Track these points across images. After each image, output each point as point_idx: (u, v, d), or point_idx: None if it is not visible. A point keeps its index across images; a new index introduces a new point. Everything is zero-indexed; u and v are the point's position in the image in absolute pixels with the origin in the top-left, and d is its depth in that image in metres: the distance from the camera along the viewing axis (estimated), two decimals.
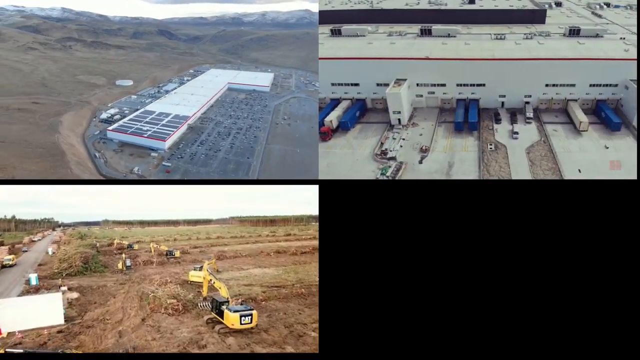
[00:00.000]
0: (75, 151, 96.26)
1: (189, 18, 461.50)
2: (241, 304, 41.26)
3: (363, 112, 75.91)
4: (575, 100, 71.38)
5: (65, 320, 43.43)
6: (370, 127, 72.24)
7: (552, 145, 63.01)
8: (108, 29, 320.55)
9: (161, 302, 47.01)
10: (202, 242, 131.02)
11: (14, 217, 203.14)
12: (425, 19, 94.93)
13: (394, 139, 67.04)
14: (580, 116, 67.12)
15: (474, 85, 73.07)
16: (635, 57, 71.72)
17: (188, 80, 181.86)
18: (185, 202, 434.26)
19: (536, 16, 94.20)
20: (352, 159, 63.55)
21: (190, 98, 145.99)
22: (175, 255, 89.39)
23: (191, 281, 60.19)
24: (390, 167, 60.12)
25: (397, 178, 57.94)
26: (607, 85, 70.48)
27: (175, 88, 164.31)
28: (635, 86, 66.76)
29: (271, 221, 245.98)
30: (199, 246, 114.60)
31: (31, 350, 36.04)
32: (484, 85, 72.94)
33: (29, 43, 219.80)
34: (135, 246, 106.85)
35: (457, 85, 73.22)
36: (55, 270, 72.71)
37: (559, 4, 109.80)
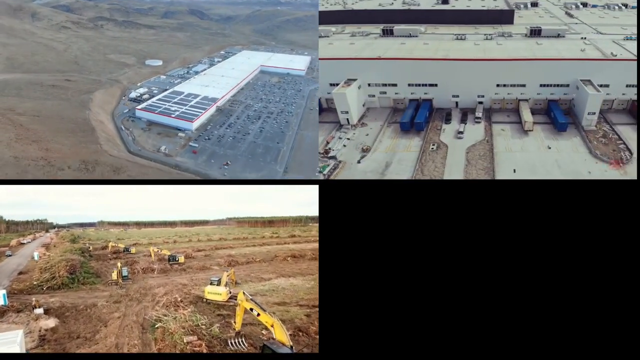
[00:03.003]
0: (105, 128, 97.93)
1: None
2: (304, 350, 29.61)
3: (318, 111, 76.40)
4: (527, 100, 70.98)
5: None
6: (322, 126, 72.67)
7: (494, 145, 62.82)
8: (139, 8, 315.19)
9: (174, 339, 34.06)
10: (204, 244, 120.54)
11: (2, 217, 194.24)
12: (396, 19, 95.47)
13: (339, 138, 67.48)
14: (526, 116, 66.74)
15: (426, 85, 73.03)
16: (590, 57, 71.50)
17: (219, 61, 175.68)
18: (181, 203, 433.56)
19: (504, 16, 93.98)
20: None
21: (220, 80, 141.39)
22: (179, 261, 78.37)
23: (207, 299, 47.79)
24: (328, 165, 60.67)
25: (332, 177, 58.50)
26: (558, 85, 69.91)
27: (205, 69, 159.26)
28: (584, 86, 66.37)
29: (270, 222, 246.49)
30: (202, 249, 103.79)
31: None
32: (436, 85, 72.87)
33: (62, 22, 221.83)
34: (133, 249, 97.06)
35: (409, 85, 73.21)
36: (35, 283, 59.07)
37: (534, 4, 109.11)
